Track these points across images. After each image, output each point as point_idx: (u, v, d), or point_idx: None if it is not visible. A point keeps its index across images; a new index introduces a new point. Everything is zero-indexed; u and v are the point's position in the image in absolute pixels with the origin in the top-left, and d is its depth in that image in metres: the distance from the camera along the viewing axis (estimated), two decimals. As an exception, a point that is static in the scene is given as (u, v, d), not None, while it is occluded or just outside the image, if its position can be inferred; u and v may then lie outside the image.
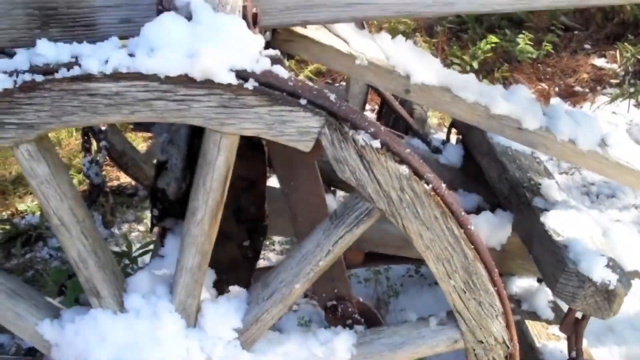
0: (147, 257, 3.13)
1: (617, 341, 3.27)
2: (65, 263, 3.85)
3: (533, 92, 5.40)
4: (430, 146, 3.38)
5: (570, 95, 5.33)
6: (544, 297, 2.92)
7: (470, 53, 5.36)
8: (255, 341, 1.74)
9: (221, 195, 1.58)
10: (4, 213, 4.40)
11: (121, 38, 1.97)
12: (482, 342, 1.80)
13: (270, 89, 1.49)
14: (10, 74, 1.45)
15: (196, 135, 1.82)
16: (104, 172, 3.99)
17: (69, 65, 1.45)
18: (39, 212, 4.33)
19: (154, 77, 1.45)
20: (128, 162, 4.14)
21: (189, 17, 1.59)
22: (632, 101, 5.12)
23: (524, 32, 5.67)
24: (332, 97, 1.55)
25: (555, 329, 2.74)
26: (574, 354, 2.41)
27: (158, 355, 1.63)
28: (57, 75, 1.45)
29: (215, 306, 1.70)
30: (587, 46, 5.89)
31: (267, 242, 3.95)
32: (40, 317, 1.69)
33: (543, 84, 5.44)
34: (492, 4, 2.03)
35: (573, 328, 2.40)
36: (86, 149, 3.90)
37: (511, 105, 2.40)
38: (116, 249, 3.92)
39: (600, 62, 5.76)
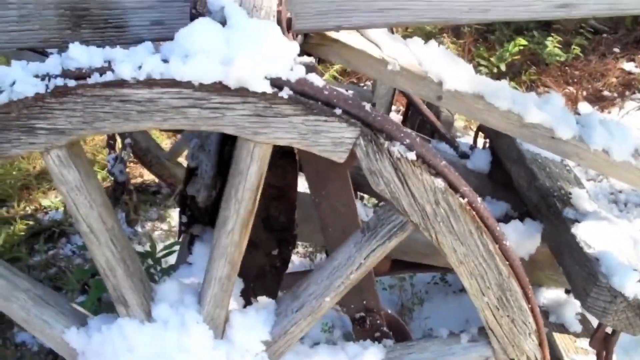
0: (171, 258, 3.11)
1: (646, 357, 3.22)
2: (88, 261, 3.85)
3: (560, 96, 5.34)
4: (457, 151, 3.34)
5: (599, 100, 5.26)
6: (572, 309, 2.88)
7: (497, 55, 5.30)
8: (283, 354, 1.71)
9: (252, 205, 1.55)
10: (27, 208, 4.41)
11: (153, 40, 1.96)
12: (514, 360, 1.77)
13: (305, 97, 1.46)
14: (42, 78, 1.43)
15: (227, 141, 1.79)
16: (127, 169, 3.98)
17: (101, 70, 1.42)
18: (62, 208, 4.34)
19: (187, 84, 1.42)
20: (152, 159, 4.14)
21: (223, 22, 1.57)
22: (662, 107, 5.05)
23: (552, 34, 5.60)
24: (368, 107, 1.51)
25: (583, 342, 2.69)
26: (603, 370, 2.37)
27: (185, 366, 1.61)
28: (90, 81, 1.42)
29: (244, 317, 1.68)
30: (616, 50, 5.81)
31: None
32: (67, 325, 1.67)
33: (571, 88, 5.37)
34: (529, 12, 1.99)
35: (603, 343, 2.35)
36: (110, 145, 3.90)
37: (544, 114, 2.36)
38: (139, 247, 3.92)
39: (629, 66, 5.68)
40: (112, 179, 3.87)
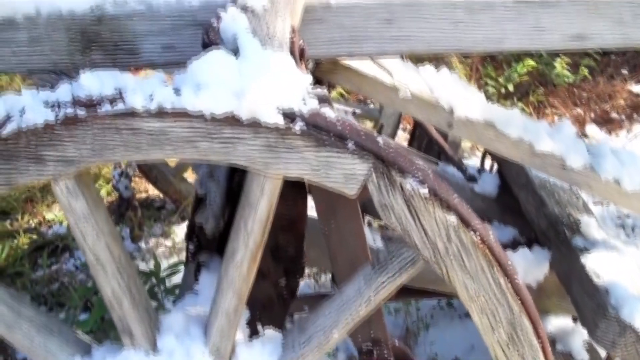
0: (175, 278, 3.09)
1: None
2: (91, 277, 3.83)
3: (568, 117, 5.31)
4: (465, 174, 3.32)
5: (606, 122, 5.24)
6: (579, 337, 2.85)
7: (505, 75, 5.28)
8: (289, 387, 1.69)
9: (262, 238, 1.53)
10: (31, 222, 4.39)
11: (164, 65, 1.95)
12: (523, 396, 1.74)
13: (317, 130, 1.44)
14: (52, 107, 1.41)
15: (236, 170, 1.77)
16: (132, 184, 3.97)
17: (112, 100, 1.40)
18: (66, 222, 4.32)
19: (199, 116, 1.40)
20: (157, 175, 4.12)
21: (235, 50, 1.55)
22: (670, 131, 5.03)
23: (561, 55, 5.59)
24: (381, 140, 1.49)
25: (590, 372, 2.66)
26: (611, 402, 2.34)
27: (190, 398, 1.58)
28: (100, 110, 1.40)
29: (250, 350, 1.65)
30: (624, 71, 5.79)
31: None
32: (71, 354, 1.65)
33: (579, 109, 5.35)
34: (543, 43, 1.98)
35: (611, 376, 2.33)
36: (116, 161, 3.87)
37: (555, 143, 2.34)
38: (143, 264, 3.90)
39: (637, 88, 5.66)
40: (117, 194, 3.85)
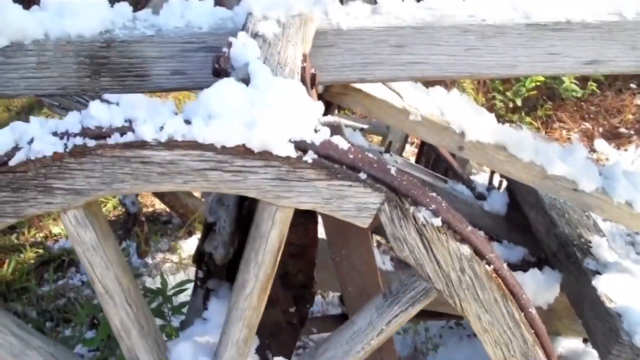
0: (182, 296, 3.06)
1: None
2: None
3: (576, 132, 5.29)
4: (474, 192, 3.30)
5: (615, 137, 5.21)
6: (590, 359, 2.82)
7: (513, 90, 5.26)
8: (299, 418, 1.67)
9: (272, 269, 1.51)
10: (37, 236, 4.38)
11: (173, 90, 1.94)
12: None
13: (329, 161, 1.42)
14: (61, 137, 1.39)
15: (246, 196, 1.75)
16: (139, 198, 3.95)
17: (122, 130, 1.39)
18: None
19: (210, 147, 1.38)
20: (164, 190, 4.10)
21: (246, 78, 1.53)
22: (680, 147, 5.00)
23: (569, 69, 5.54)
24: (393, 170, 1.47)
25: (602, 396, 2.63)
26: None
27: None
28: (110, 141, 1.38)
29: (260, 381, 1.64)
30: (632, 85, 5.77)
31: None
32: (78, 385, 1.63)
33: (587, 124, 5.32)
34: (556, 68, 1.96)
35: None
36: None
37: (567, 165, 2.32)
38: (149, 280, 3.88)
39: (646, 102, 5.64)
40: (124, 209, 3.84)
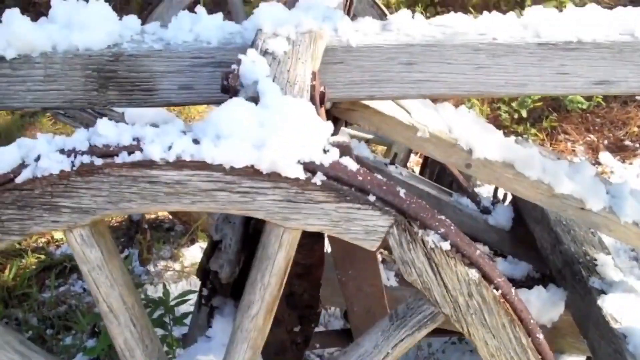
0: (184, 307, 3.06)
1: None
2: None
3: (581, 144, 5.27)
4: (479, 206, 3.28)
5: (620, 150, 5.19)
6: (594, 378, 2.80)
7: (519, 101, 5.24)
8: None
9: (279, 291, 1.50)
10: (39, 241, 4.36)
11: (181, 105, 1.93)
12: None
13: (338, 183, 1.40)
14: (68, 155, 1.38)
15: (253, 215, 1.74)
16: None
17: (130, 149, 1.37)
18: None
19: (218, 167, 1.37)
20: (167, 197, 4.08)
21: (255, 96, 1.52)
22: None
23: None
24: (402, 192, 1.46)
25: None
26: None
27: None
28: (117, 160, 1.37)
29: (264, 402, 1.62)
30: (638, 97, 5.74)
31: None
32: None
33: (592, 136, 5.31)
34: (566, 88, 1.95)
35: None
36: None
37: (575, 184, 2.30)
38: (151, 288, 3.86)
39: (651, 115, 5.62)
40: (127, 217, 3.83)
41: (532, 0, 5.65)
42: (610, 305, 2.40)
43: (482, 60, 1.88)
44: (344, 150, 1.48)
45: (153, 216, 4.57)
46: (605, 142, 5.31)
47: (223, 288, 1.77)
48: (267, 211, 1.41)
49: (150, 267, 4.06)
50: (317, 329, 3.51)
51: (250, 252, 1.63)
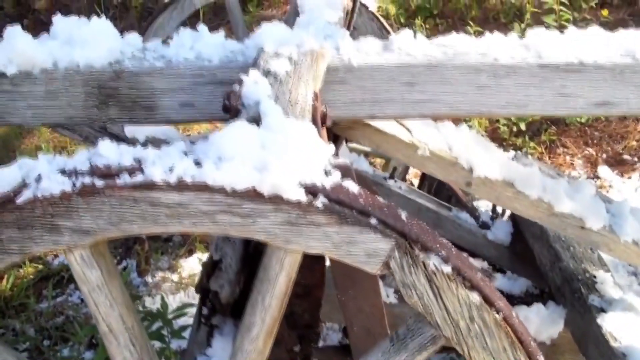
0: (182, 320, 3.05)
1: None
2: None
3: (579, 158, 5.28)
4: (478, 220, 3.29)
5: (618, 164, 5.19)
6: (593, 395, 2.80)
7: (517, 114, 5.23)
8: None
9: (279, 313, 1.49)
10: (37, 251, 4.35)
11: (182, 122, 1.93)
12: None
13: (340, 206, 1.40)
14: (69, 175, 1.38)
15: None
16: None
17: (131, 171, 1.37)
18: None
19: (220, 190, 1.36)
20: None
21: (257, 117, 1.52)
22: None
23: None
24: (404, 215, 1.45)
25: None
26: None
27: None
28: (119, 181, 1.36)
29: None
30: None
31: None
32: None
33: (590, 149, 5.31)
34: (567, 109, 1.95)
35: None
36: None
37: (574, 203, 2.30)
38: (149, 299, 3.85)
39: (650, 129, 5.62)
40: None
41: (531, 13, 5.66)
42: (610, 323, 2.40)
43: (483, 81, 1.88)
44: (345, 172, 1.48)
45: (151, 227, 4.56)
46: (604, 155, 5.31)
47: (223, 307, 1.76)
48: (269, 234, 1.41)
49: (148, 278, 4.05)
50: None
51: (251, 272, 1.63)
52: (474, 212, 3.33)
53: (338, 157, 1.56)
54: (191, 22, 6.34)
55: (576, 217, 2.29)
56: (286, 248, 1.42)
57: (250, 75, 1.61)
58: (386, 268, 1.45)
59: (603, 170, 5.08)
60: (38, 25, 6.00)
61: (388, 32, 3.88)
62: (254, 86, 1.59)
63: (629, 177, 5.04)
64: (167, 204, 1.38)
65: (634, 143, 5.36)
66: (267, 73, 1.68)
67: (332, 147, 1.49)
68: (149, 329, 2.99)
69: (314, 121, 1.60)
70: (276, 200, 1.38)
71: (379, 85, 1.87)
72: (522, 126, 5.21)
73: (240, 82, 1.60)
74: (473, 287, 1.47)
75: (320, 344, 3.37)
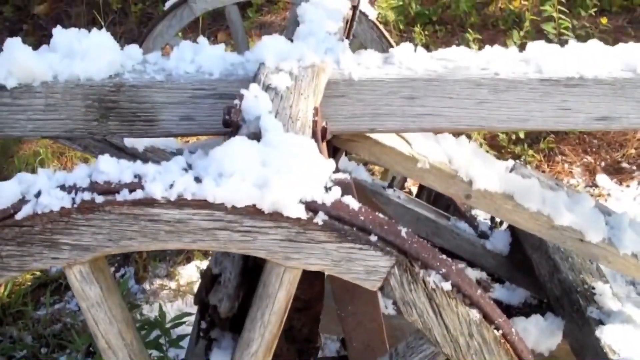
0: (179, 329, 3.05)
1: None
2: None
3: (578, 166, 5.28)
4: (477, 230, 3.28)
5: (617, 172, 5.19)
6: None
7: (516, 122, 5.23)
8: None
9: (278, 328, 1.49)
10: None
11: (182, 135, 1.92)
12: None
13: (340, 223, 1.40)
14: (69, 191, 1.37)
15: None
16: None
17: (131, 187, 1.37)
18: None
19: (220, 206, 1.36)
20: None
21: (257, 132, 1.52)
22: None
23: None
24: (404, 232, 1.45)
25: None
26: None
27: None
28: (119, 197, 1.36)
29: None
30: (635, 119, 5.75)
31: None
32: None
33: (589, 157, 5.31)
34: (567, 123, 1.95)
35: None
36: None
37: (574, 215, 2.30)
38: (147, 307, 3.85)
39: (648, 137, 5.63)
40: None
41: (530, 20, 5.66)
42: (609, 336, 2.40)
43: (484, 95, 1.88)
44: (346, 188, 1.47)
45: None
46: (603, 164, 5.31)
47: (222, 322, 1.76)
48: (268, 250, 1.41)
49: (146, 286, 4.04)
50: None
51: (250, 286, 1.63)
52: (472, 222, 3.32)
53: (338, 171, 1.55)
54: (190, 27, 6.34)
55: (576, 230, 2.30)
56: (286, 265, 1.42)
57: (250, 89, 1.61)
58: (386, 285, 1.45)
59: (601, 178, 5.08)
60: (37, 30, 6.00)
61: (387, 40, 3.88)
62: (254, 101, 1.59)
63: (628, 186, 5.03)
64: (167, 220, 1.37)
65: (633, 151, 5.36)
66: (267, 88, 1.68)
67: (332, 162, 1.49)
68: (147, 337, 2.98)
69: (315, 136, 1.60)
70: (276, 217, 1.38)
71: (379, 99, 1.87)
72: (521, 134, 5.20)
73: (241, 97, 1.59)
74: (473, 304, 1.47)
75: (319, 354, 3.37)
